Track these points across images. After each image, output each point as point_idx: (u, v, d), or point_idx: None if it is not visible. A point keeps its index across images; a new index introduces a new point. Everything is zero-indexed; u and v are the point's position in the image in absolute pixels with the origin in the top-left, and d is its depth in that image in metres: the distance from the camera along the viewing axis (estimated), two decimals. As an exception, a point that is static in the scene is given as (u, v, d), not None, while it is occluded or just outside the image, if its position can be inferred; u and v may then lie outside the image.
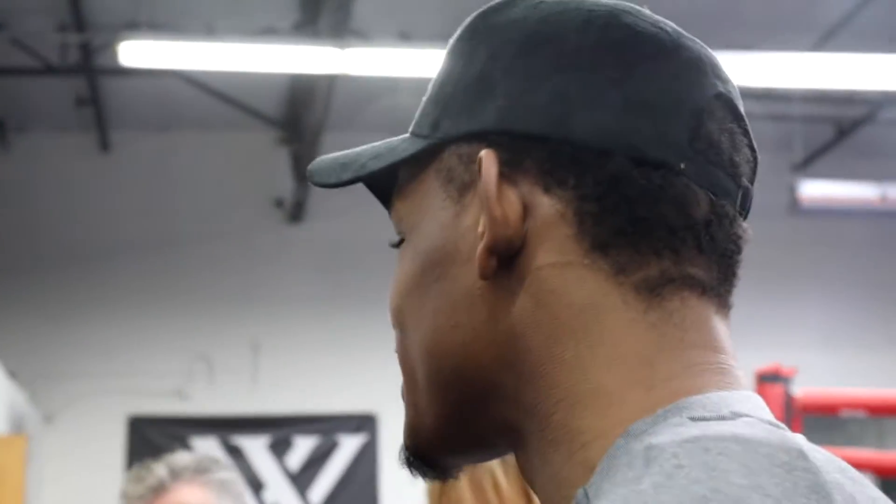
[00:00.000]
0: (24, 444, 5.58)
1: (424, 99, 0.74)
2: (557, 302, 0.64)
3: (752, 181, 0.69)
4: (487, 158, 0.66)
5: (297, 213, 8.26)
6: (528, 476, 0.67)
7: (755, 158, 0.70)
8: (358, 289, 8.01)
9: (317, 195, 7.91)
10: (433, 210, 0.70)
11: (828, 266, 8.56)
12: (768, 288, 7.79)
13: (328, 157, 0.77)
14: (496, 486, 1.78)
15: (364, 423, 8.14)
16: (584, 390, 0.62)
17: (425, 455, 0.72)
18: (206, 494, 2.17)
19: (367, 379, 7.90)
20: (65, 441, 7.76)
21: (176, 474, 2.17)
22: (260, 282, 8.18)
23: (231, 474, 2.26)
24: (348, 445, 8.15)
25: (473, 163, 0.68)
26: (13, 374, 6.69)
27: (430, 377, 0.69)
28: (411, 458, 0.73)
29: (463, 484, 1.79)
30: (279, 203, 8.34)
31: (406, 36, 6.25)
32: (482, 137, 0.68)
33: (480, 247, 0.66)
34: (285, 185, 8.16)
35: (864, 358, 8.35)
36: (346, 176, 0.74)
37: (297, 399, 8.09)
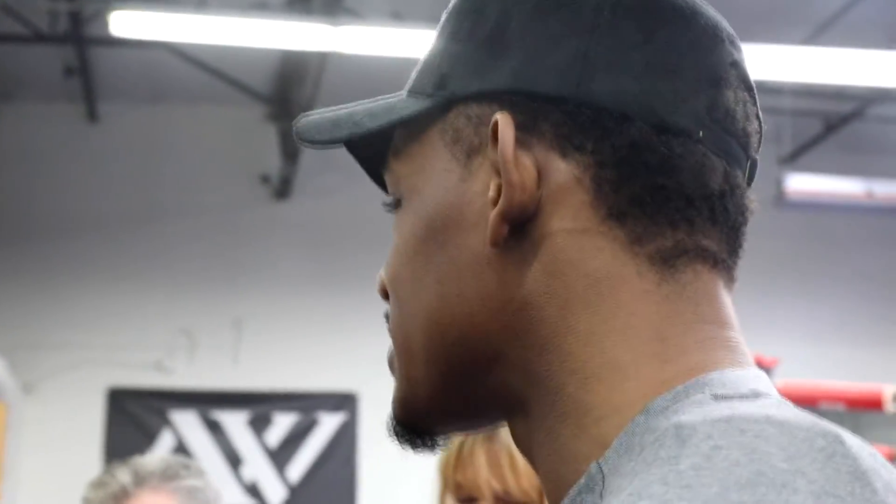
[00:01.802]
0: (2, 413, 5.57)
1: (424, 58, 0.71)
2: (573, 271, 0.62)
3: (757, 151, 0.69)
4: (503, 121, 0.63)
5: (283, 190, 8.24)
6: (524, 446, 0.65)
7: (761, 129, 0.69)
8: (342, 268, 8.00)
9: (304, 173, 7.89)
10: (436, 172, 0.67)
11: (812, 259, 8.59)
12: (751, 279, 7.74)
13: (315, 113, 0.74)
14: (512, 462, 1.77)
15: (344, 402, 8.14)
16: (598, 363, 0.61)
17: (416, 426, 0.70)
18: (173, 503, 2.01)
19: (349, 358, 7.90)
20: (44, 411, 7.74)
21: (141, 480, 2.01)
22: (244, 258, 8.16)
23: (201, 481, 2.08)
24: (328, 424, 8.15)
25: (483, 125, 0.65)
26: (-6, 343, 6.68)
27: (429, 347, 0.67)
28: (401, 430, 0.70)
29: (479, 460, 1.78)
30: (266, 179, 8.31)
31: (398, 16, 6.23)
32: (494, 97, 0.65)
33: (494, 213, 0.63)
34: (272, 161, 8.13)
35: (845, 351, 8.38)
36: (341, 134, 0.71)
37: (277, 376, 8.08)
